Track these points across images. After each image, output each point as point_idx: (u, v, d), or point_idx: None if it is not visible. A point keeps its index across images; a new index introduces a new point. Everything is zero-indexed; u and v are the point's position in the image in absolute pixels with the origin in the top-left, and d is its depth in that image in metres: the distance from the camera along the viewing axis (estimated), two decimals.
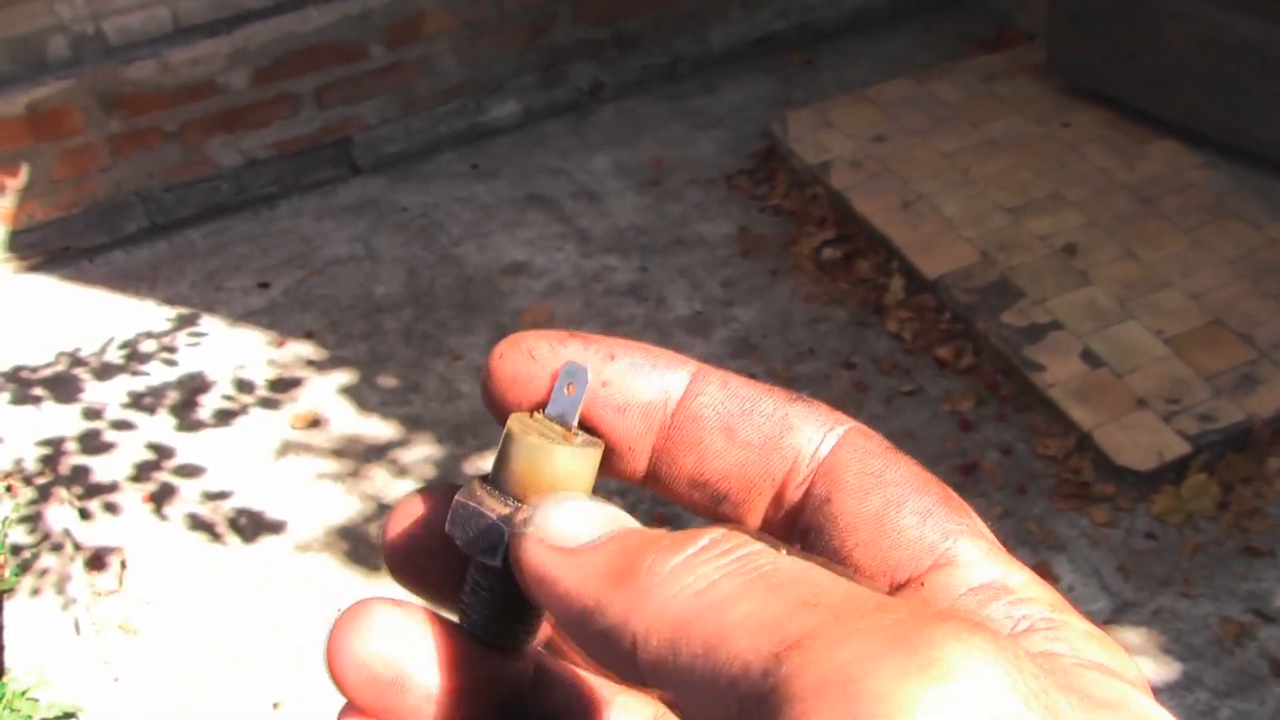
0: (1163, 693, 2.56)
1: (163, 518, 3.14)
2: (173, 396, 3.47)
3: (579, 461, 0.31)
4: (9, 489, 3.15)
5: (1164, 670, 2.63)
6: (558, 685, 0.35)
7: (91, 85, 3.77)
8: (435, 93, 4.22)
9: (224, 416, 3.40)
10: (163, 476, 3.25)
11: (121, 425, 3.39)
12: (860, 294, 3.59)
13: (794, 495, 0.31)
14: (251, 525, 3.11)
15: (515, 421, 0.32)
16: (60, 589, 2.85)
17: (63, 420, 3.41)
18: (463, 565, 0.32)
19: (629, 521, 0.29)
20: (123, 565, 3.03)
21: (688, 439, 0.32)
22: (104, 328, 3.70)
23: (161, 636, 2.88)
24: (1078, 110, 4.02)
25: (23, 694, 2.54)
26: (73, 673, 2.67)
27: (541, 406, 0.32)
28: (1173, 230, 3.59)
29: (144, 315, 3.74)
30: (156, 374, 3.54)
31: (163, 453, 3.31)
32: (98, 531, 3.10)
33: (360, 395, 3.43)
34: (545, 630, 0.34)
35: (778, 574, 0.25)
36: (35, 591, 2.84)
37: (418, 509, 0.33)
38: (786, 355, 3.43)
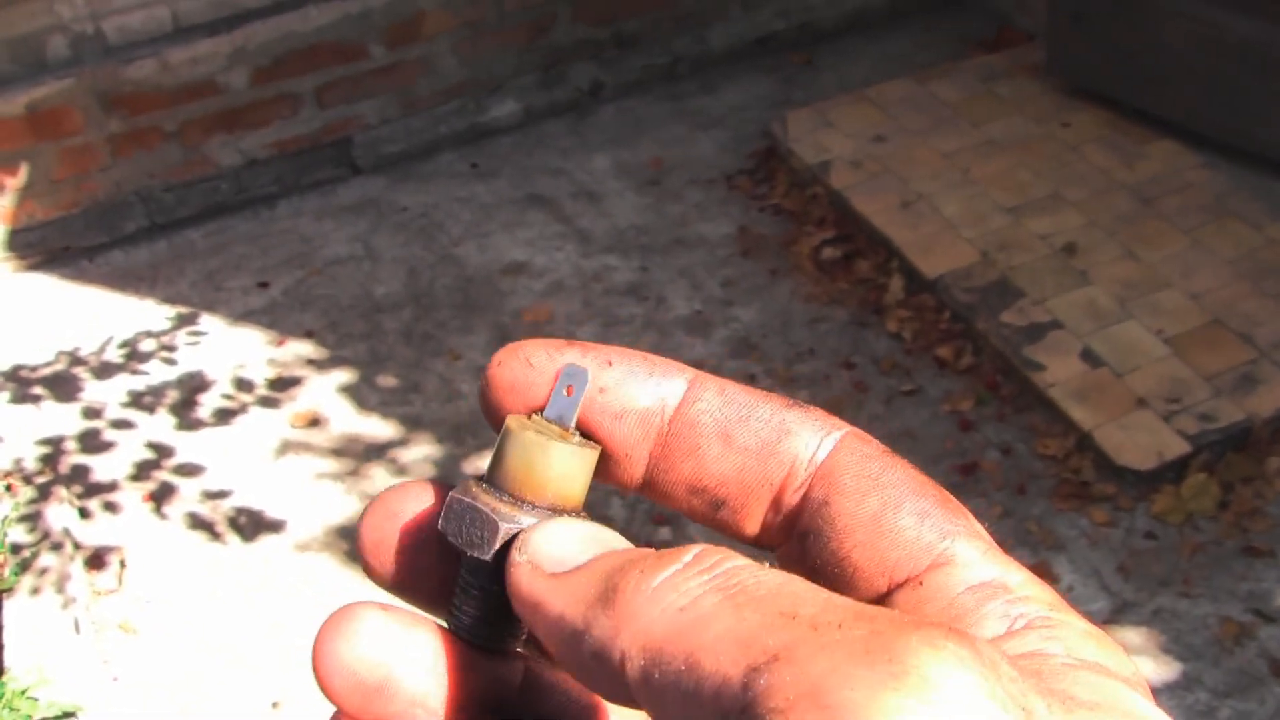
0: (1162, 693, 2.56)
1: (162, 517, 3.14)
2: (172, 396, 3.47)
3: (575, 460, 0.31)
4: (9, 488, 3.15)
5: (1164, 670, 2.63)
6: (550, 690, 0.35)
7: (91, 85, 3.77)
8: (435, 92, 4.22)
9: (223, 416, 3.40)
10: (162, 476, 3.25)
11: (121, 424, 3.39)
12: (860, 294, 3.59)
13: (792, 499, 0.31)
14: (251, 524, 3.11)
15: (513, 421, 0.32)
16: (60, 588, 2.85)
17: (62, 419, 3.42)
18: (444, 565, 0.32)
19: (616, 541, 0.30)
20: (122, 564, 3.03)
21: (685, 445, 0.32)
22: (104, 327, 3.70)
23: (161, 636, 2.88)
24: (1078, 110, 4.02)
25: (22, 693, 2.54)
26: (72, 672, 2.67)
27: (540, 411, 0.32)
28: (1173, 230, 3.59)
29: (144, 315, 3.74)
30: (156, 373, 3.54)
31: (162, 452, 3.31)
32: (97, 531, 3.10)
33: (360, 395, 3.43)
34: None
35: (758, 588, 0.25)
36: (35, 591, 2.84)
37: (395, 505, 0.33)
38: (786, 355, 3.43)
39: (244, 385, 3.48)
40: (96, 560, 3.03)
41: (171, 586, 2.98)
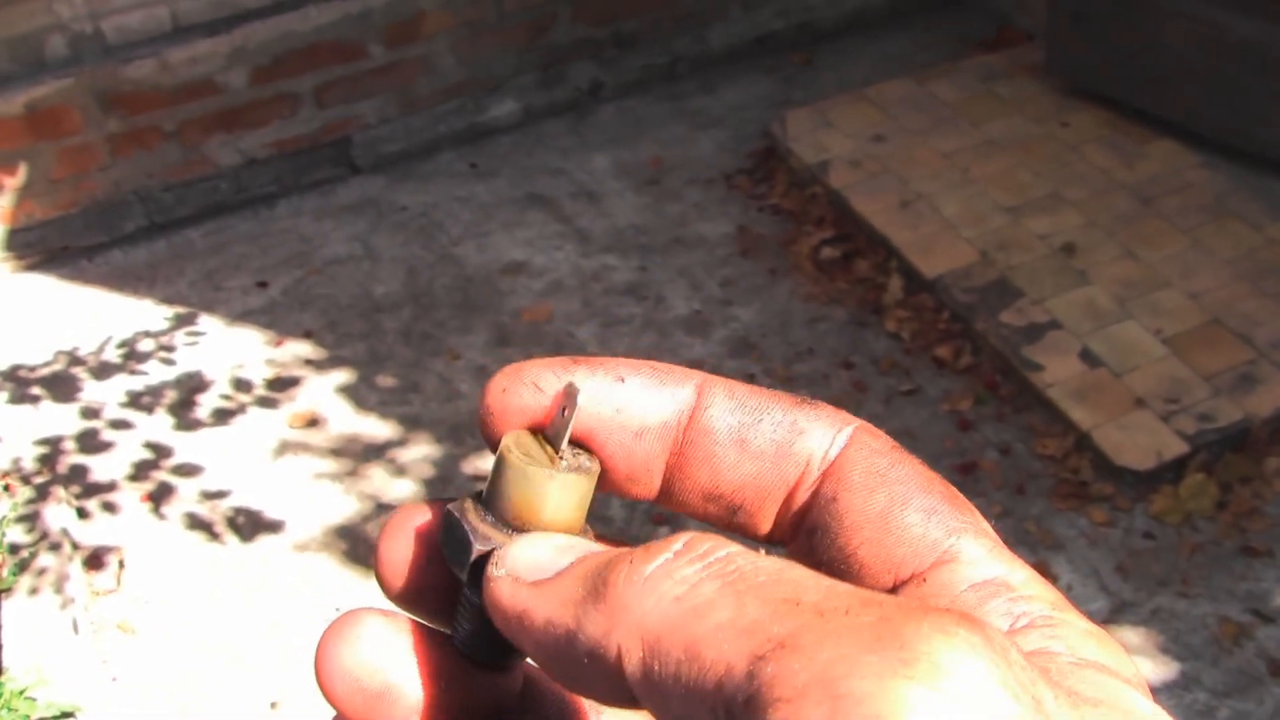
0: (1161, 692, 2.56)
1: (161, 517, 3.14)
2: (171, 396, 3.46)
3: (567, 491, 0.31)
4: (7, 488, 3.15)
5: (1162, 670, 2.63)
6: (548, 698, 0.34)
7: (90, 84, 3.77)
8: (435, 92, 4.22)
9: (222, 416, 3.40)
10: (161, 476, 3.25)
11: (120, 424, 3.39)
12: (859, 293, 3.59)
13: (802, 496, 0.31)
14: (250, 525, 3.11)
15: (511, 441, 0.31)
16: (58, 588, 2.85)
17: (61, 419, 3.41)
18: (454, 581, 0.32)
19: (594, 547, 0.29)
20: (121, 564, 3.03)
21: (700, 454, 0.31)
22: (102, 327, 3.70)
23: (159, 636, 2.87)
24: (1077, 110, 4.02)
25: (21, 693, 2.54)
26: (71, 672, 2.67)
27: (540, 428, 0.32)
28: (1172, 230, 3.59)
29: (142, 314, 3.73)
30: (155, 373, 3.54)
31: (161, 452, 3.31)
32: (96, 531, 3.10)
33: (359, 395, 3.43)
34: None
35: (757, 574, 0.25)
36: (33, 591, 2.84)
37: (413, 521, 0.33)
38: (785, 355, 3.43)
39: (243, 385, 3.48)
40: (95, 560, 3.02)
41: (170, 586, 2.98)
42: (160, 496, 3.19)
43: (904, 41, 4.55)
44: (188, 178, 4.02)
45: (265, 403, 3.42)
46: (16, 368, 3.58)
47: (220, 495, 3.18)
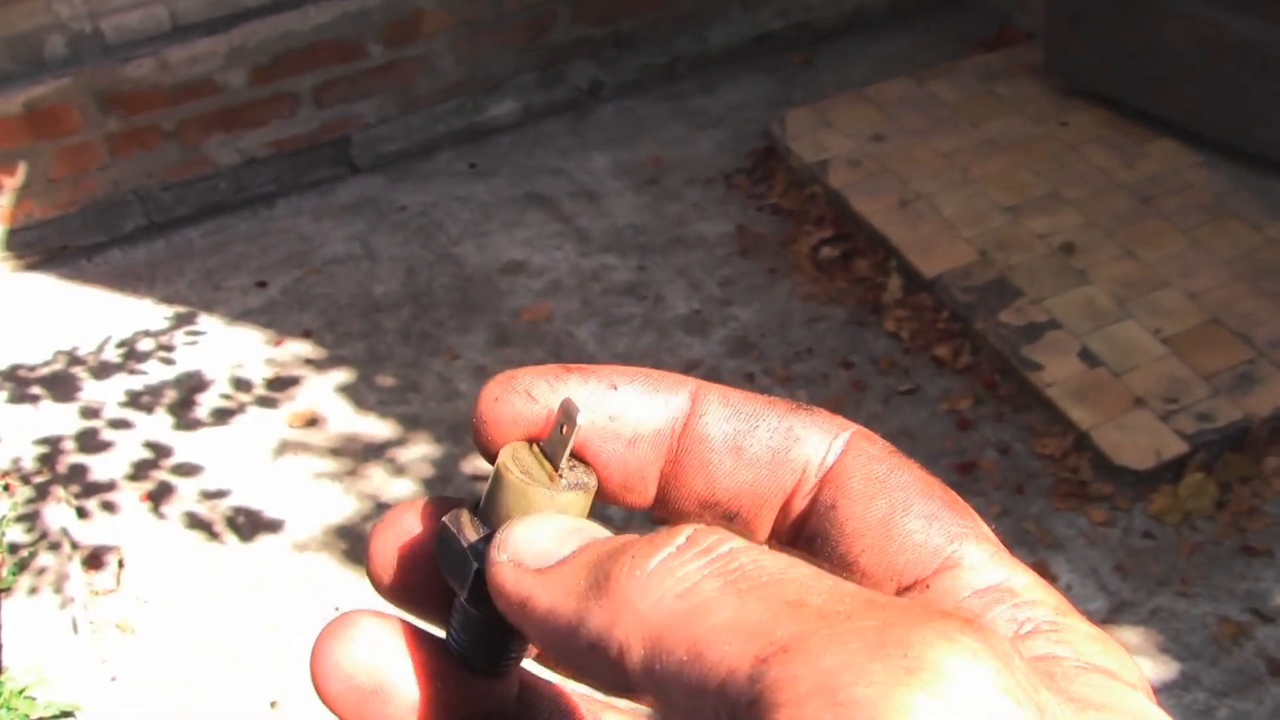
0: (1161, 692, 2.56)
1: (160, 517, 3.14)
2: (170, 395, 3.46)
3: (566, 510, 0.30)
4: (6, 488, 3.15)
5: (1162, 670, 2.63)
6: (543, 700, 0.34)
7: (89, 84, 3.77)
8: (434, 91, 4.21)
9: (222, 415, 3.39)
10: (160, 475, 3.25)
11: (119, 424, 3.39)
12: (858, 293, 3.59)
13: (800, 504, 0.31)
14: (249, 524, 3.11)
15: (507, 455, 0.31)
16: (58, 588, 2.85)
17: (60, 419, 3.41)
18: (445, 580, 0.32)
19: (600, 532, 0.29)
20: (120, 564, 3.03)
21: (696, 461, 0.31)
22: (102, 326, 3.70)
23: (159, 635, 2.87)
24: (1077, 110, 4.02)
25: (20, 692, 2.54)
26: (70, 671, 2.67)
27: (538, 440, 0.32)
28: (1171, 230, 3.59)
29: (142, 314, 3.73)
30: (154, 373, 3.53)
31: (160, 451, 3.31)
32: (95, 530, 3.10)
33: (358, 394, 3.43)
34: (533, 649, 0.33)
35: (761, 572, 0.25)
36: (33, 590, 2.83)
37: (405, 523, 0.33)
38: (784, 354, 3.43)
39: (242, 385, 3.48)
40: (94, 560, 3.02)
41: (169, 586, 2.98)
42: (160, 496, 3.19)
43: (904, 41, 4.55)
44: (187, 177, 4.02)
45: (265, 402, 3.42)
46: (16, 367, 3.58)
47: (220, 495, 3.18)
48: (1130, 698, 0.26)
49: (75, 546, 3.02)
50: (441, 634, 0.33)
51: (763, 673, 0.22)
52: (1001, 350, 3.28)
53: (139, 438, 3.34)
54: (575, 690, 0.34)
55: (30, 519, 3.04)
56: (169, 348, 3.61)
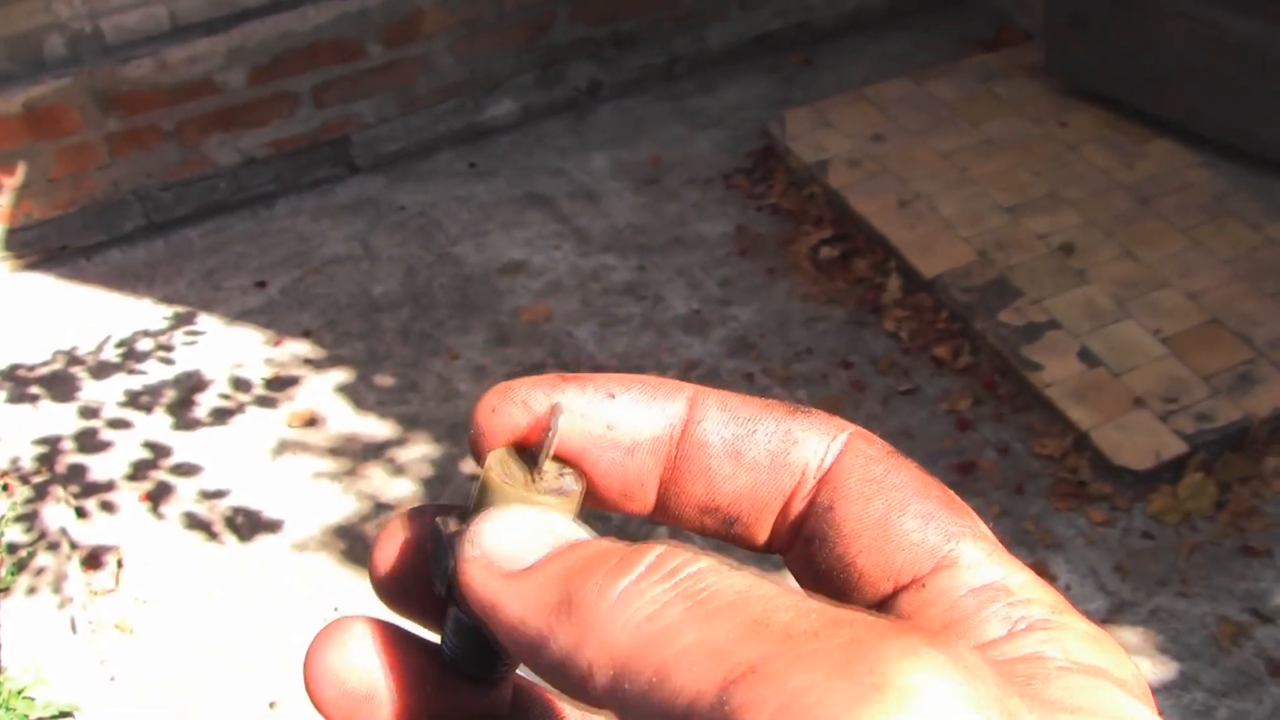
0: (1160, 692, 2.56)
1: (159, 517, 3.14)
2: (170, 395, 3.46)
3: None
4: (5, 488, 3.15)
5: (1161, 670, 2.63)
6: (537, 706, 0.34)
7: (89, 84, 3.77)
8: (433, 91, 4.21)
9: (221, 415, 3.39)
10: (159, 475, 3.24)
11: (118, 424, 3.39)
12: (858, 293, 3.59)
13: (799, 505, 0.31)
14: (248, 524, 3.11)
15: (495, 459, 0.31)
16: (57, 588, 2.85)
17: (60, 419, 3.41)
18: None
19: (572, 532, 0.29)
20: (119, 564, 3.03)
21: (695, 467, 0.31)
22: (101, 326, 3.70)
23: (158, 636, 2.87)
24: (1076, 110, 4.02)
25: (19, 693, 2.54)
26: (69, 672, 2.67)
27: (528, 446, 0.32)
28: (1171, 230, 3.59)
29: (141, 314, 3.73)
30: (153, 373, 3.53)
31: (159, 451, 3.31)
32: (94, 530, 3.10)
33: (357, 394, 3.43)
34: None
35: (725, 593, 0.25)
36: (31, 590, 2.83)
37: (410, 524, 0.33)
38: (784, 354, 3.43)
39: (241, 385, 3.48)
40: (93, 560, 3.02)
41: (168, 586, 2.98)
42: (159, 496, 3.19)
43: (903, 41, 4.55)
44: (186, 177, 4.02)
45: (264, 402, 3.42)
46: (15, 367, 3.58)
47: (219, 495, 3.18)
48: (1112, 698, 0.26)
49: (74, 546, 3.02)
50: (437, 641, 0.33)
51: (729, 696, 0.23)
52: (1001, 350, 3.28)
53: (138, 438, 3.34)
54: (568, 698, 0.34)
55: (29, 519, 3.04)
56: (168, 348, 3.61)
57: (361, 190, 4.14)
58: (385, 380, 3.46)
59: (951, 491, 0.31)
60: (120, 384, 3.50)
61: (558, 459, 0.31)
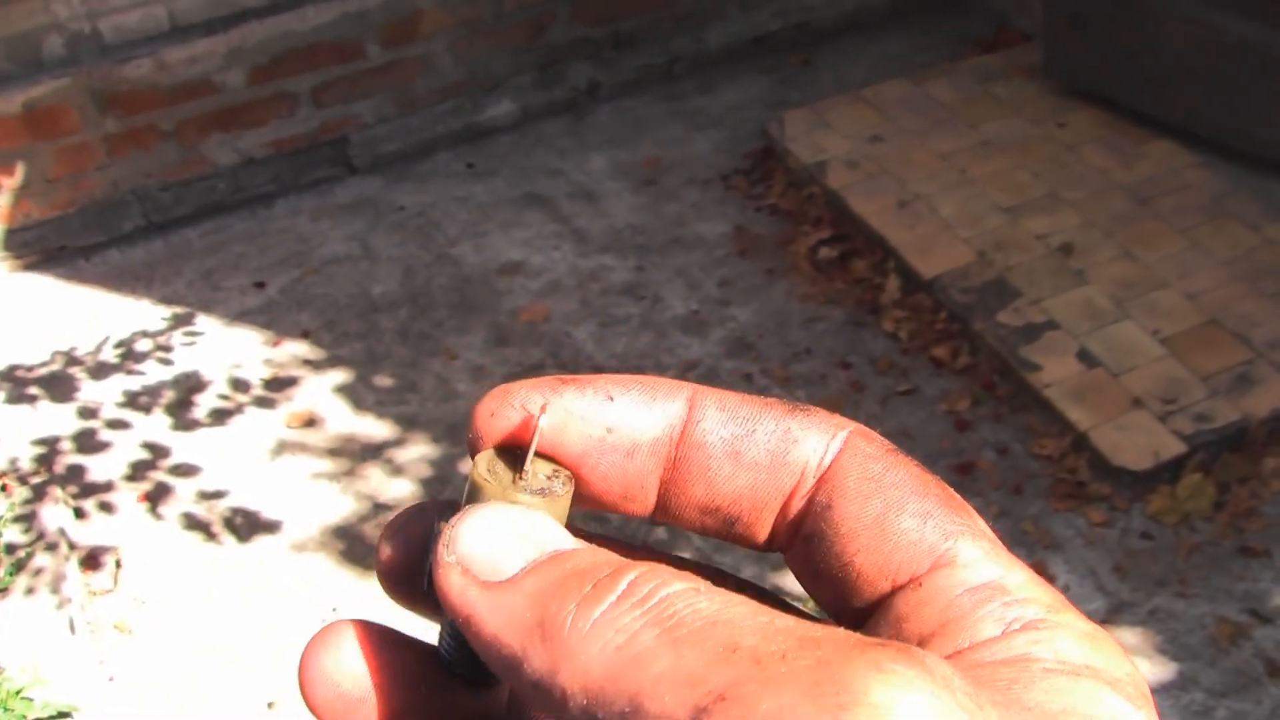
0: (1159, 693, 2.56)
1: (158, 517, 3.14)
2: (168, 396, 3.46)
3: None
4: (3, 488, 3.15)
5: (1160, 670, 2.63)
6: (532, 710, 0.34)
7: (88, 84, 3.77)
8: (432, 92, 4.21)
9: (219, 416, 3.39)
10: (158, 476, 3.24)
11: (117, 424, 3.39)
12: (857, 294, 3.59)
13: (798, 505, 0.31)
14: (247, 525, 3.11)
15: (483, 460, 0.31)
16: (55, 588, 2.85)
17: (58, 419, 3.41)
18: None
19: (551, 539, 0.28)
20: (118, 565, 3.02)
21: (695, 468, 0.31)
22: (100, 327, 3.70)
23: (157, 636, 2.87)
24: (1075, 111, 4.02)
25: (18, 693, 2.54)
26: (68, 672, 2.67)
27: (518, 447, 0.31)
28: (1170, 230, 3.59)
29: (140, 314, 3.73)
30: (152, 373, 3.53)
31: (158, 452, 3.31)
32: (93, 531, 3.10)
33: (356, 394, 3.43)
34: None
35: (694, 618, 0.25)
36: (30, 591, 2.83)
37: (414, 521, 0.33)
38: (783, 355, 3.43)
39: (240, 385, 3.48)
40: (92, 560, 3.02)
41: (167, 587, 2.98)
42: (157, 497, 3.19)
43: (902, 42, 4.55)
44: (185, 177, 4.02)
45: (263, 403, 3.42)
46: (14, 367, 3.58)
47: (217, 495, 3.18)
48: (1098, 700, 0.26)
49: (73, 547, 3.01)
50: (433, 645, 0.33)
51: None
52: (1000, 351, 3.28)
53: (137, 438, 3.34)
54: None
55: (27, 519, 3.04)
56: (167, 348, 3.60)
57: (360, 190, 4.14)
58: (384, 380, 3.46)
59: (951, 489, 0.31)
60: (119, 384, 3.50)
61: (553, 462, 0.31)
